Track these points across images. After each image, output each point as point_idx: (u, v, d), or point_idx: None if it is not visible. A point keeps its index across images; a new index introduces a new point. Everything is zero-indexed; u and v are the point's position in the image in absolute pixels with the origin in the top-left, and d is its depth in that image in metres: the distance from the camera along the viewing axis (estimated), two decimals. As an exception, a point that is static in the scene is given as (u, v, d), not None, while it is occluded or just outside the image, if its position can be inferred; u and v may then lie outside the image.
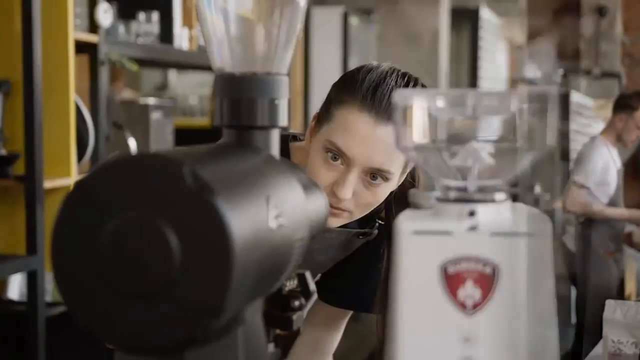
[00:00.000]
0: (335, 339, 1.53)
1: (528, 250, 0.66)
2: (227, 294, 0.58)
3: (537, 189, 6.44)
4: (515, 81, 9.48)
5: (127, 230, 0.60)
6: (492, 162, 0.71)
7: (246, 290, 0.62)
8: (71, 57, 2.51)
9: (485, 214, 0.68)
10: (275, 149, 0.79)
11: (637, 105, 4.18)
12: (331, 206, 1.20)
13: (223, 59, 0.78)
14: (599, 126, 8.56)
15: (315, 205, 0.82)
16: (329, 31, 5.03)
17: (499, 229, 0.66)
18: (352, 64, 6.13)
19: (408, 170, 1.29)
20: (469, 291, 0.65)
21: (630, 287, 4.46)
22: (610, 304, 1.87)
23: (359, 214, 1.26)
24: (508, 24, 8.67)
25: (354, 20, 5.17)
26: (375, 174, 1.21)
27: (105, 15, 2.65)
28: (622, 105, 4.25)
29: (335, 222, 1.25)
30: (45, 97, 2.45)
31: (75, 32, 2.56)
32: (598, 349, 2.05)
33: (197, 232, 0.59)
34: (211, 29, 0.78)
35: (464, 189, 0.70)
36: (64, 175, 2.52)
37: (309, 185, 0.84)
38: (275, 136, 0.78)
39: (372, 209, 1.27)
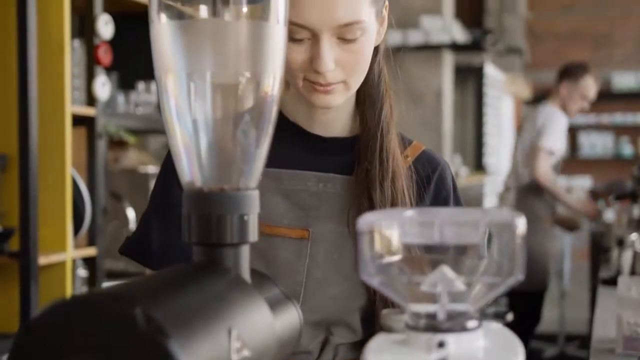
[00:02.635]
0: None
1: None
2: None
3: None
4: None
5: (74, 379, 0.58)
6: (463, 288, 0.69)
7: None
8: (68, 131, 2.51)
9: (456, 343, 0.66)
10: (245, 266, 0.77)
11: (582, 74, 4.27)
12: (321, 85, 1.11)
13: (192, 173, 0.77)
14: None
15: (285, 323, 0.80)
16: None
17: (468, 363, 0.63)
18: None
19: (384, 4, 1.18)
20: None
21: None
22: (623, 280, 1.70)
23: (355, 81, 1.14)
24: (513, 79, 8.70)
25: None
26: (346, 32, 1.09)
27: (103, 88, 2.66)
28: (568, 74, 4.32)
29: (334, 100, 1.14)
30: (42, 171, 2.44)
31: (73, 106, 2.57)
32: (608, 331, 1.84)
33: (148, 382, 0.56)
34: (180, 143, 0.77)
35: (433, 316, 0.67)
36: (60, 250, 2.50)
37: (280, 301, 0.81)
38: (245, 252, 0.77)
39: (366, 70, 1.15)
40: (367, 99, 1.22)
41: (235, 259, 0.75)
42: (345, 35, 1.09)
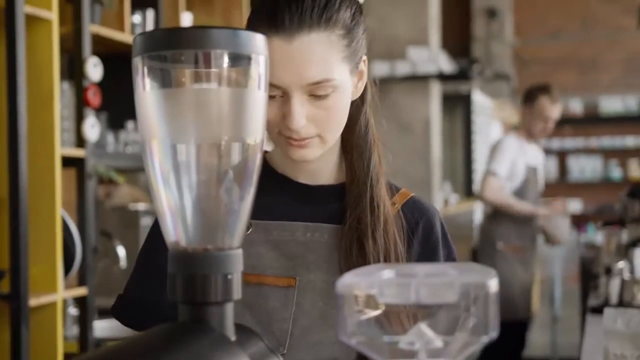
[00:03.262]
0: None
1: None
2: None
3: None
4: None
5: None
6: (440, 345, 0.71)
7: None
8: (58, 173, 2.53)
9: (434, 401, 0.68)
10: (229, 323, 0.79)
11: (537, 96, 4.32)
12: (295, 139, 1.13)
13: (177, 234, 0.79)
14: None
15: (270, 378, 0.82)
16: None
17: None
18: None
19: (362, 60, 1.18)
20: None
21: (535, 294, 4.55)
22: (609, 312, 1.71)
23: (330, 136, 1.15)
24: (501, 105, 8.77)
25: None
26: (316, 89, 1.10)
27: (92, 129, 2.68)
28: (525, 98, 4.39)
29: (310, 153, 1.15)
30: (32, 212, 2.46)
31: (63, 148, 2.59)
32: None
33: None
34: (165, 204, 0.79)
35: (412, 374, 0.70)
36: (51, 291, 2.51)
37: (265, 356, 0.84)
38: (229, 310, 0.79)
39: (342, 124, 1.16)
40: (355, 149, 1.24)
41: (220, 317, 0.78)
42: (316, 92, 1.11)
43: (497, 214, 4.31)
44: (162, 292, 1.16)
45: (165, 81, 0.82)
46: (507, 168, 4.24)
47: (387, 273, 0.73)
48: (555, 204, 4.64)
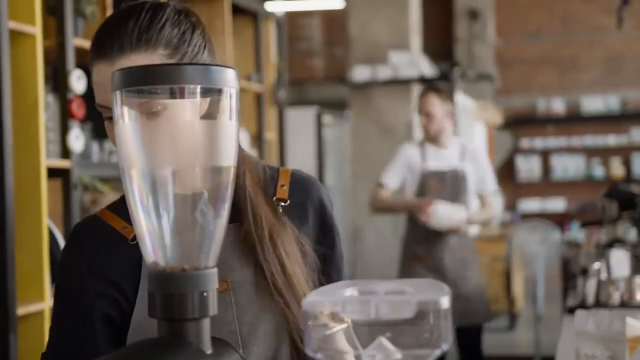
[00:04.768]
0: None
1: None
2: None
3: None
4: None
5: None
6: (399, 357, 0.77)
7: None
8: (44, 184, 2.58)
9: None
10: (206, 338, 0.84)
11: (423, 91, 4.13)
12: None
13: (156, 255, 0.85)
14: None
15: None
16: (304, 130, 5.14)
17: None
18: (328, 160, 6.25)
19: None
20: None
21: None
22: (581, 314, 1.73)
23: None
24: (483, 106, 8.85)
25: (327, 119, 5.28)
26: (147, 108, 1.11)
27: (77, 140, 2.73)
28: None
29: None
30: (18, 223, 2.51)
31: (48, 159, 2.64)
32: None
33: None
34: (144, 227, 0.85)
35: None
36: (38, 300, 2.56)
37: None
38: (206, 325, 0.84)
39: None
40: None
41: (196, 332, 0.84)
42: (148, 111, 1.17)
43: (405, 232, 4.18)
44: (90, 342, 1.19)
45: (142, 113, 0.88)
46: (396, 179, 4.10)
47: (349, 291, 0.79)
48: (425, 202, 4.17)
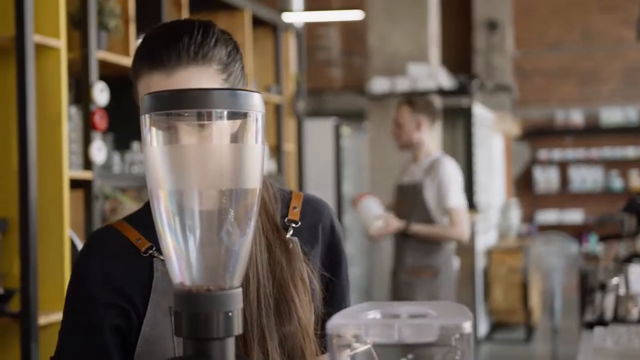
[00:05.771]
0: None
1: None
2: None
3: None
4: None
5: None
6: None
7: None
8: (66, 195, 2.61)
9: None
10: (230, 356, 0.86)
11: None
12: None
13: (182, 275, 0.87)
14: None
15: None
16: (322, 141, 5.15)
17: None
18: (346, 171, 6.27)
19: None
20: None
21: None
22: (599, 331, 1.76)
23: None
24: (502, 117, 8.83)
25: (345, 130, 5.29)
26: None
27: (99, 152, 2.77)
28: None
29: None
30: (41, 233, 2.54)
31: (71, 170, 2.67)
32: None
33: None
34: (171, 248, 0.87)
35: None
36: (60, 310, 2.57)
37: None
38: (231, 344, 0.86)
39: None
40: None
41: (221, 351, 0.85)
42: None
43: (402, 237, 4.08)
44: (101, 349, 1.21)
45: (171, 137, 0.90)
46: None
47: (372, 314, 0.80)
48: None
